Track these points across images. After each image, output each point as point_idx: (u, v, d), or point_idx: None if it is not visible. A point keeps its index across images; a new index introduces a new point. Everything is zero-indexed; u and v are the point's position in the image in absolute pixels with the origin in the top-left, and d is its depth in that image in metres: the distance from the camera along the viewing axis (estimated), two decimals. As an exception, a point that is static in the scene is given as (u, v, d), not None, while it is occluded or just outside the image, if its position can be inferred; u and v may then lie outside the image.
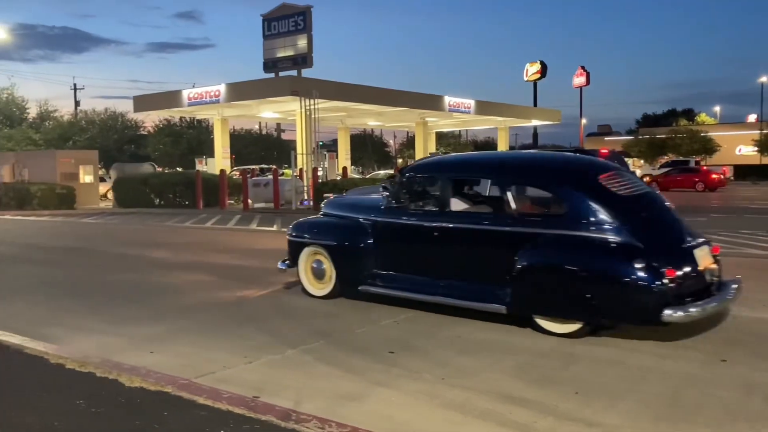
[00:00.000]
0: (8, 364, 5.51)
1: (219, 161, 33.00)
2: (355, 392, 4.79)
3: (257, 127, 56.01)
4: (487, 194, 7.12)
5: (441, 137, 51.64)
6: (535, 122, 45.43)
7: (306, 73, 29.48)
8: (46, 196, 27.65)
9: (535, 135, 48.89)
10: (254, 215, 21.85)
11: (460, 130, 57.59)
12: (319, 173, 26.13)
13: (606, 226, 5.62)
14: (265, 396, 4.65)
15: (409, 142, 53.30)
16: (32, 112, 52.23)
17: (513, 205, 6.11)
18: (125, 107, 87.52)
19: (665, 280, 5.30)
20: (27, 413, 4.37)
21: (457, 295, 6.46)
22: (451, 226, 6.50)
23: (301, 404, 4.50)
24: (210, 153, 36.36)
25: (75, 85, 63.32)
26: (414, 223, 6.82)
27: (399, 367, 5.37)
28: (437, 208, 6.70)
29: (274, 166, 32.44)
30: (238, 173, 31.21)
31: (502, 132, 46.49)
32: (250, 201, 24.93)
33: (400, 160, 50.24)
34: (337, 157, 38.30)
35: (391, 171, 37.55)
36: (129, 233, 17.89)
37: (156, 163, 39.58)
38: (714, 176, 36.58)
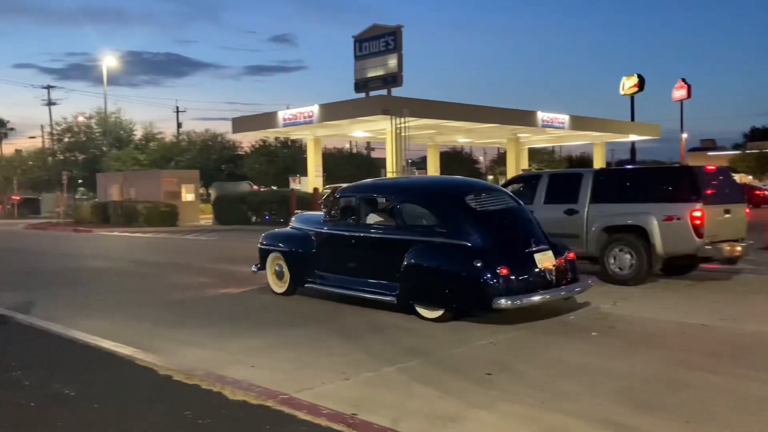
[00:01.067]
0: (121, 374, 5.82)
1: (312, 179, 33.81)
2: (453, 413, 4.75)
3: (348, 145, 57.11)
4: (387, 210, 8.53)
5: (534, 153, 50.77)
6: (633, 137, 43.90)
7: (396, 92, 29.83)
8: (151, 213, 29.20)
9: (633, 151, 47.23)
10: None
11: (553, 146, 56.42)
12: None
13: (460, 235, 7.43)
14: (363, 413, 4.69)
15: (501, 159, 52.71)
16: (138, 134, 55.59)
17: (402, 218, 8.02)
18: (223, 128, 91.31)
19: (498, 277, 7.00)
20: (139, 422, 4.60)
21: (365, 290, 8.24)
22: (361, 235, 8.44)
23: (398, 423, 4.50)
24: (303, 172, 37.31)
25: (177, 108, 67.09)
26: (338, 233, 8.80)
27: (497, 389, 5.29)
28: (353, 221, 8.68)
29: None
30: (330, 191, 31.90)
31: (598, 147, 45.20)
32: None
33: (491, 177, 49.75)
34: (426, 174, 38.43)
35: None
36: (227, 249, 18.58)
37: (252, 181, 41.05)
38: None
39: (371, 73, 30.39)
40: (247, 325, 7.97)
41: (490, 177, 52.98)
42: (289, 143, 46.77)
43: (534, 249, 7.55)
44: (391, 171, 28.17)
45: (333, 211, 9.16)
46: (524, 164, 42.02)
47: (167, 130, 67.98)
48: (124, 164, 45.12)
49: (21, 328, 7.89)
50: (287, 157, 44.45)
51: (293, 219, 10.49)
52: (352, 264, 8.56)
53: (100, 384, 5.53)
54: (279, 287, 9.94)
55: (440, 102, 30.84)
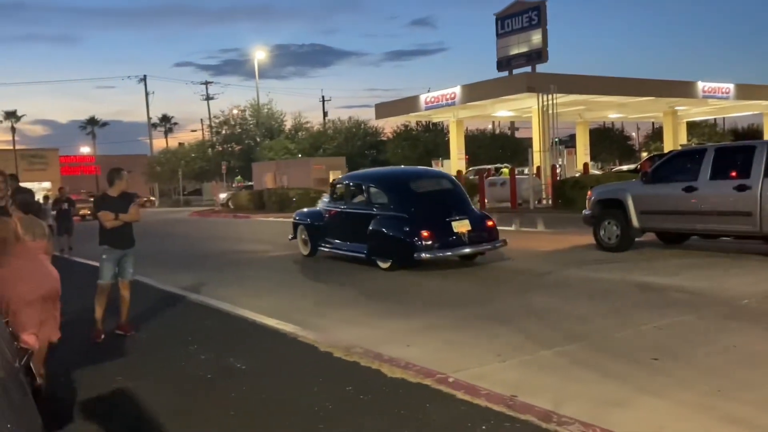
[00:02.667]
0: (286, 350, 6.16)
1: (454, 162, 33.73)
2: (618, 398, 4.57)
3: (491, 126, 56.36)
4: (363, 193, 11.95)
5: (693, 127, 47.26)
6: (811, 104, 39.55)
7: (540, 68, 28.92)
8: (302, 199, 30.49)
9: (812, 118, 42.49)
10: (491, 215, 21.87)
11: (715, 119, 52.17)
12: (557, 170, 25.45)
13: (400, 209, 10.95)
14: (522, 395, 4.63)
15: (656, 134, 49.55)
16: (288, 124, 58.24)
17: (370, 198, 11.58)
18: (366, 115, 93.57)
19: (421, 238, 10.39)
20: (303, 395, 4.85)
21: (351, 251, 11.84)
22: (347, 210, 12.10)
23: (560, 406, 4.40)
24: (446, 155, 37.29)
25: (323, 97, 69.53)
26: (336, 209, 12.47)
27: (665, 375, 5.01)
28: (344, 201, 12.30)
29: (510, 166, 32.33)
30: (473, 174, 31.65)
31: (768, 118, 41.27)
32: (486, 201, 25.08)
33: (644, 154, 46.97)
34: (575, 153, 37.01)
35: (634, 166, 35.20)
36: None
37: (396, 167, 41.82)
38: None
39: (514, 51, 29.69)
40: (401, 306, 8.14)
41: (644, 153, 50.01)
42: (431, 126, 46.89)
43: (452, 218, 10.88)
44: (537, 150, 27.45)
45: (334, 195, 12.76)
46: (682, 139, 39.24)
47: (314, 119, 70.68)
48: (276, 153, 47.46)
49: (194, 307, 8.59)
50: (429, 141, 44.55)
51: (318, 201, 14.07)
52: (343, 232, 12.32)
53: (267, 359, 5.89)
54: (305, 251, 13.60)
55: (588, 76, 29.53)
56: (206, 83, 69.39)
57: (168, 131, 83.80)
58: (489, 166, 33.83)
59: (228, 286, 10.53)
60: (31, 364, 4.62)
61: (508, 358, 5.62)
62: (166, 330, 7.32)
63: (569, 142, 43.55)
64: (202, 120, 72.71)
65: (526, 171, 30.35)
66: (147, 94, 65.28)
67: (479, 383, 4.88)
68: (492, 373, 5.25)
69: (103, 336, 6.87)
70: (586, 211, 12.58)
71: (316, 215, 13.35)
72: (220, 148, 57.49)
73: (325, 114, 66.01)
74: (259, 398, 4.86)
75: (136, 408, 4.82)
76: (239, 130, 57.09)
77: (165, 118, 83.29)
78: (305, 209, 14.37)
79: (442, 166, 37.00)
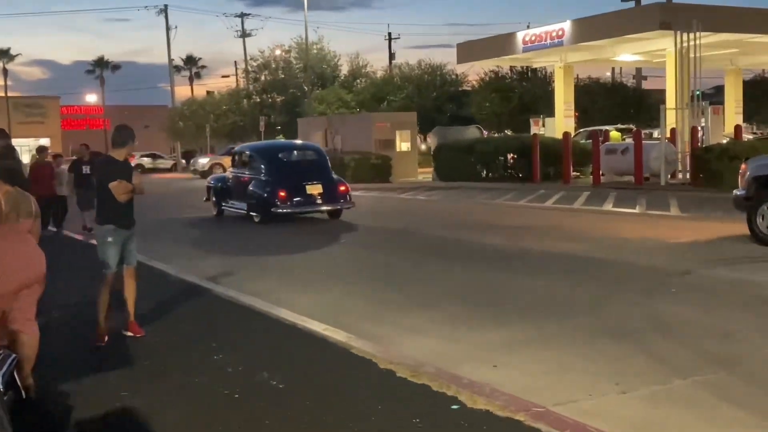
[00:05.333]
0: (334, 365, 6.13)
1: (560, 121, 33.12)
2: (783, 451, 4.33)
3: (609, 74, 54.98)
4: (248, 161, 18.47)
5: None
6: None
7: (680, -3, 27.96)
8: (361, 167, 30.57)
9: None
10: (608, 192, 21.47)
11: None
12: (699, 135, 24.60)
13: (266, 174, 17.42)
14: (649, 441, 4.44)
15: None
16: (344, 69, 58.26)
17: (251, 165, 18.10)
18: (445, 58, 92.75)
19: (277, 197, 16.68)
20: (362, 422, 4.81)
21: (239, 209, 18.10)
22: (239, 175, 18.43)
23: (702, 459, 4.20)
24: (548, 111, 36.62)
25: (389, 34, 68.91)
26: (232, 174, 19.13)
27: None
28: (237, 167, 18.93)
29: (631, 127, 31.46)
30: (585, 137, 30.97)
31: None
32: (602, 173, 24.54)
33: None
34: (723, 112, 35.73)
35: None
36: (453, 213, 18.92)
37: (482, 125, 41.19)
38: None
39: (645, -26, 28.75)
40: (485, 311, 8.04)
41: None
42: (530, 74, 46.15)
43: (308, 183, 16.94)
44: (672, 107, 26.59)
45: (234, 162, 19.74)
46: None
47: (377, 63, 70.41)
48: (329, 107, 47.70)
49: (221, 303, 8.68)
50: (527, 93, 43.86)
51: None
52: (236, 194, 18.42)
53: (311, 375, 5.87)
54: (214, 210, 19.65)
55: (744, 8, 28.40)
56: (242, 15, 69.67)
57: (194, 76, 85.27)
58: (606, 127, 33.01)
59: (263, 276, 10.68)
60: (15, 374, 4.74)
61: (630, 388, 5.44)
62: (184, 333, 7.42)
63: (715, 96, 42.03)
64: (236, 63, 72.81)
65: (655, 134, 29.49)
66: (168, 29, 66.08)
67: (591, 421, 4.73)
68: (609, 407, 5.10)
69: (106, 338, 6.99)
70: (737, 191, 12.22)
71: (221, 179, 20.08)
72: (258, 99, 58.16)
73: (391, 56, 65.69)
74: (298, 427, 4.83)
75: (144, 434, 4.87)
76: (282, 76, 57.67)
77: (190, 60, 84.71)
78: (217, 174, 23.12)
79: (543, 126, 36.41)
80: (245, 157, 18.77)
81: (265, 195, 16.88)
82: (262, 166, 17.68)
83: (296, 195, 16.78)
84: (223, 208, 19.15)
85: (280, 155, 18.39)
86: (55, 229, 15.86)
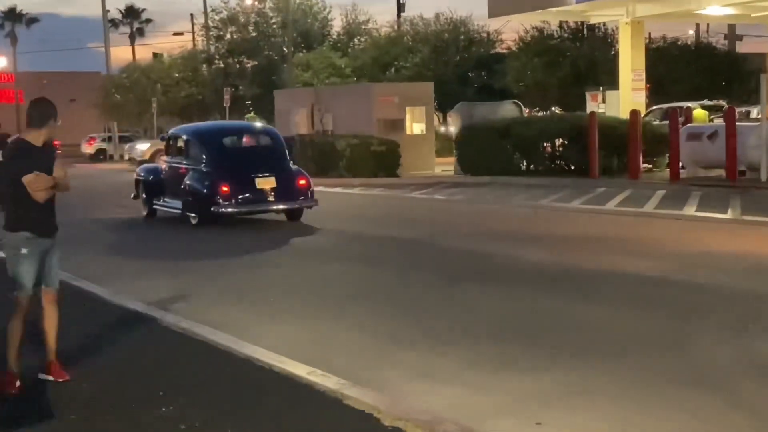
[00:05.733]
0: (325, 420, 6.12)
1: (626, 96, 33.05)
2: None
3: (692, 33, 54.95)
4: (184, 147, 19.11)
5: None
6: None
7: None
8: (358, 155, 30.54)
9: None
10: (689, 191, 21.43)
11: None
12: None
13: (206, 162, 17.97)
14: None
15: None
16: (336, 25, 58.28)
17: (188, 152, 18.74)
18: (471, 11, 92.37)
19: (218, 193, 17.05)
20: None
21: (172, 208, 18.86)
22: (173, 165, 19.30)
23: None
24: (610, 82, 36.53)
25: (397, -22, 68.93)
26: (166, 164, 20.14)
27: None
28: (172, 155, 19.72)
29: (726, 104, 31.39)
30: (661, 116, 30.90)
31: None
32: (681, 165, 24.47)
33: None
34: None
35: None
36: (481, 218, 18.96)
37: (521, 101, 41.05)
38: None
39: None
40: (524, 350, 8.05)
41: None
42: (586, 33, 46.12)
43: (257, 175, 17.16)
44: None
45: (168, 149, 20.50)
46: None
47: (381, 17, 70.12)
48: (316, 75, 47.71)
49: (172, 337, 8.70)
50: (582, 58, 43.83)
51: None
52: (170, 189, 19.07)
53: (292, 435, 5.86)
54: (144, 210, 20.33)
55: None
56: (201, -48, 70.06)
57: (136, 34, 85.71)
58: (688, 104, 32.94)
59: (223, 301, 10.71)
60: None
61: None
62: (123, 376, 7.40)
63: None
64: (192, 16, 73.13)
65: (754, 113, 29.33)
66: (102, -31, 66.52)
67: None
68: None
69: (18, 384, 6.97)
70: None
71: (153, 171, 20.72)
72: (222, 65, 58.22)
73: (400, 8, 65.69)
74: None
75: None
76: (254, 35, 57.67)
77: (131, 12, 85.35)
78: (148, 164, 22.46)
79: (603, 102, 36.33)
80: (181, 142, 19.27)
81: (204, 191, 17.39)
82: (202, 155, 18.19)
83: (243, 191, 17.28)
84: (155, 206, 19.79)
85: (224, 140, 19.13)
86: None
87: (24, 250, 6.96)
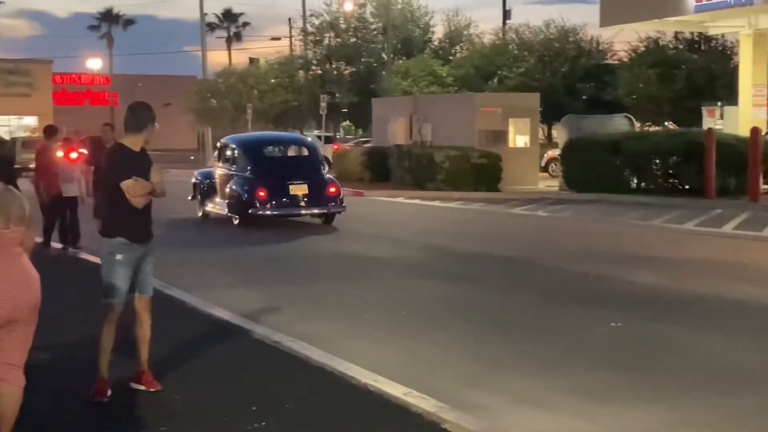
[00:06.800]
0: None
1: (746, 112, 32.38)
2: None
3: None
4: (232, 155, 22.17)
5: None
6: None
7: None
8: (457, 168, 30.43)
9: None
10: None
11: None
12: None
13: (249, 169, 21.16)
14: None
15: None
16: (438, 31, 58.25)
17: (234, 160, 21.84)
18: (581, 18, 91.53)
19: (256, 196, 20.13)
20: None
21: (221, 208, 21.64)
22: (223, 170, 22.08)
23: None
24: (728, 97, 35.96)
25: (503, -16, 68.68)
26: (217, 170, 22.71)
27: None
28: (222, 162, 22.54)
29: None
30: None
31: None
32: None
33: None
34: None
35: None
36: (588, 237, 18.78)
37: (633, 114, 40.51)
38: None
39: None
40: (634, 379, 7.98)
41: None
42: (703, 44, 45.46)
43: (292, 182, 20.03)
44: None
45: (220, 155, 22.72)
46: None
47: (485, 24, 69.88)
48: (415, 83, 47.77)
49: (262, 350, 8.78)
50: (699, 71, 43.19)
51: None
52: (219, 192, 21.75)
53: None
54: (199, 212, 22.72)
55: None
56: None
57: (233, 38, 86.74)
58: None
59: (317, 313, 10.78)
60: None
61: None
62: (214, 389, 7.49)
63: None
64: (290, 21, 73.43)
65: None
66: (201, -28, 67.59)
67: None
68: None
69: (110, 392, 7.11)
70: None
71: (207, 175, 23.21)
72: (320, 71, 58.52)
73: (505, 15, 65.44)
74: None
75: None
76: (353, 40, 57.96)
77: (229, 16, 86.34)
78: (204, 169, 25.18)
79: (721, 118, 35.72)
80: (229, 150, 22.19)
81: (245, 195, 20.20)
82: (245, 162, 21.18)
83: (278, 196, 20.10)
84: (208, 208, 22.56)
85: (264, 150, 22.38)
86: (60, 246, 16.09)
87: (119, 256, 7.09)
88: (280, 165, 21.84)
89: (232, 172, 21.21)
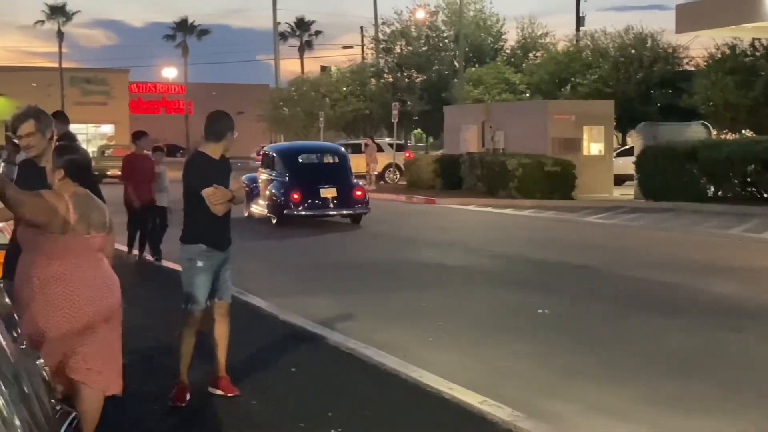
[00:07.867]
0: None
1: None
2: None
3: None
4: (273, 161, 25.35)
5: None
6: None
7: None
8: (530, 176, 30.29)
9: None
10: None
11: None
12: None
13: (285, 174, 24.01)
14: None
15: None
16: (510, 38, 57.97)
17: (273, 165, 25.00)
18: (657, 23, 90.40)
19: (290, 199, 22.99)
20: None
21: (263, 209, 24.52)
22: (264, 175, 25.22)
23: None
24: (807, 104, 35.48)
25: (578, -10, 68.20)
26: (259, 175, 26.11)
27: None
28: (264, 167, 26.23)
29: None
30: None
31: None
32: None
33: None
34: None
35: None
36: (664, 246, 18.63)
37: (709, 122, 40.07)
38: None
39: None
40: (714, 390, 7.93)
41: None
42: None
43: (322, 186, 22.90)
44: None
45: (263, 162, 26.60)
46: None
47: (559, 31, 69.40)
48: (487, 91, 47.65)
49: (338, 357, 8.85)
50: (780, 77, 42.59)
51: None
52: (261, 194, 24.48)
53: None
54: (245, 212, 24.51)
55: None
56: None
57: (305, 47, 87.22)
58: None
59: (390, 321, 10.84)
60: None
61: None
62: (291, 395, 7.59)
63: None
64: (362, 29, 73.46)
65: None
66: (275, -19, 67.99)
67: None
68: None
69: (188, 397, 7.23)
70: None
71: (253, 179, 25.65)
72: (391, 79, 58.60)
73: (579, 21, 65.02)
74: None
75: None
76: (425, 48, 57.98)
77: (301, 24, 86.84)
78: (250, 174, 27.26)
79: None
80: (269, 157, 25.42)
81: (281, 196, 22.82)
82: (282, 167, 23.97)
83: (310, 198, 22.68)
84: (252, 209, 24.93)
85: (299, 157, 25.07)
86: (147, 256, 15.86)
87: (200, 263, 7.22)
88: (313, 170, 24.28)
89: (272, 177, 23.87)
